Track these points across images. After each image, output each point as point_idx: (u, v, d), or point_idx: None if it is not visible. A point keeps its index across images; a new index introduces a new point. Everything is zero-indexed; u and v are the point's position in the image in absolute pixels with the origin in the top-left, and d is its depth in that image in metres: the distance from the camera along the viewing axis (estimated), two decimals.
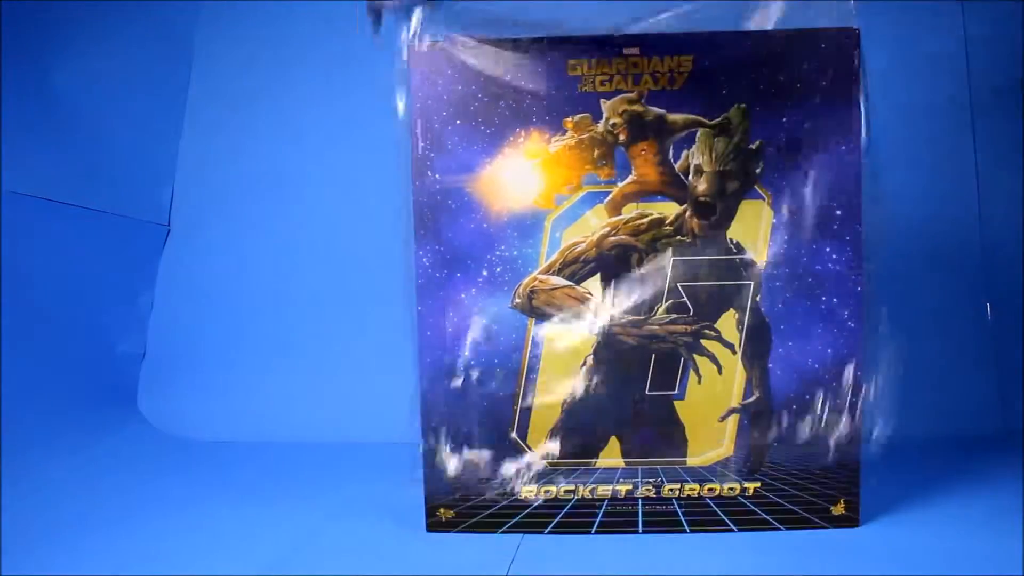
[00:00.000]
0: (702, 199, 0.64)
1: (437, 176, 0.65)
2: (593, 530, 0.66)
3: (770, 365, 0.65)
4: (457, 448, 0.67)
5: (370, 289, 1.07)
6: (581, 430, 0.66)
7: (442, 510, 0.67)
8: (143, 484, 0.83)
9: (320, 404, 1.07)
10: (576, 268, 0.65)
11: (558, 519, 0.66)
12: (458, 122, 0.65)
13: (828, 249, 0.64)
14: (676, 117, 0.64)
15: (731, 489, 0.66)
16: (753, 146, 0.64)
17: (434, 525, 0.67)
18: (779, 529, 0.65)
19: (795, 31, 0.63)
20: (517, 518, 0.67)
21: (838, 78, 0.63)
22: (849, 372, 0.65)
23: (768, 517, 0.65)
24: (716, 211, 0.64)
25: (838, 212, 0.64)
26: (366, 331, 1.08)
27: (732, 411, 0.66)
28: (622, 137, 0.64)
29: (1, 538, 0.66)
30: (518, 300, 0.65)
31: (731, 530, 0.65)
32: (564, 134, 0.65)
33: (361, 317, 1.09)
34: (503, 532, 0.66)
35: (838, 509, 0.65)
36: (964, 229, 1.09)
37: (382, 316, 1.05)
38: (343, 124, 1.12)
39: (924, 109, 1.10)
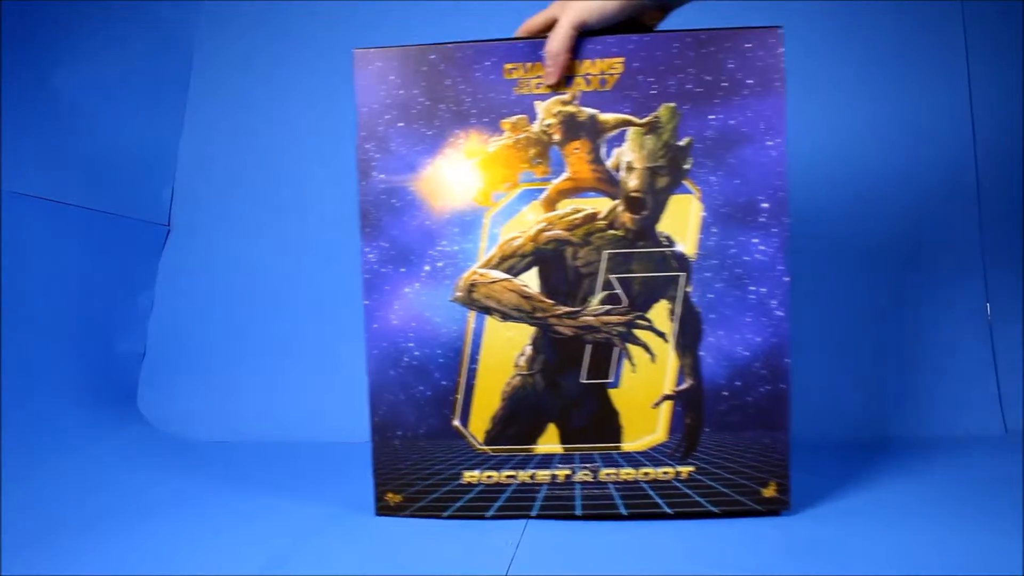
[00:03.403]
0: (633, 194, 0.67)
1: (382, 176, 0.68)
2: (533, 513, 0.69)
3: (701, 353, 0.67)
4: (403, 435, 0.70)
5: None
6: (520, 417, 0.69)
7: (390, 495, 0.70)
8: (143, 484, 0.83)
9: (321, 404, 1.10)
10: (514, 262, 0.68)
11: (499, 503, 0.69)
12: (401, 124, 0.68)
13: (756, 241, 0.67)
14: (608, 116, 0.67)
15: (665, 473, 0.68)
16: (682, 143, 0.67)
17: (382, 509, 0.70)
18: (713, 512, 0.67)
19: (721, 31, 0.66)
20: (461, 502, 0.69)
21: (764, 76, 0.66)
22: (778, 359, 0.67)
23: (702, 500, 0.68)
24: (647, 206, 0.67)
25: (765, 205, 0.66)
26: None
27: (665, 398, 0.68)
28: (556, 136, 0.67)
29: (1, 538, 0.66)
30: (459, 293, 0.68)
31: (666, 513, 0.68)
32: (501, 134, 0.68)
33: (361, 317, 1.11)
34: (447, 517, 0.69)
35: (769, 491, 0.68)
36: (965, 228, 1.10)
37: None
38: (343, 124, 1.15)
39: (926, 108, 1.12)
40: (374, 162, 0.68)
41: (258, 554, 0.62)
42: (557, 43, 0.65)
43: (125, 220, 1.14)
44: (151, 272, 1.18)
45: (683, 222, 0.67)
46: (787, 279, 0.67)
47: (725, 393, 0.68)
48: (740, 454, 0.68)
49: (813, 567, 0.58)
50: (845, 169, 1.11)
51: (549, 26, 0.67)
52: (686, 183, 0.67)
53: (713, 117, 0.66)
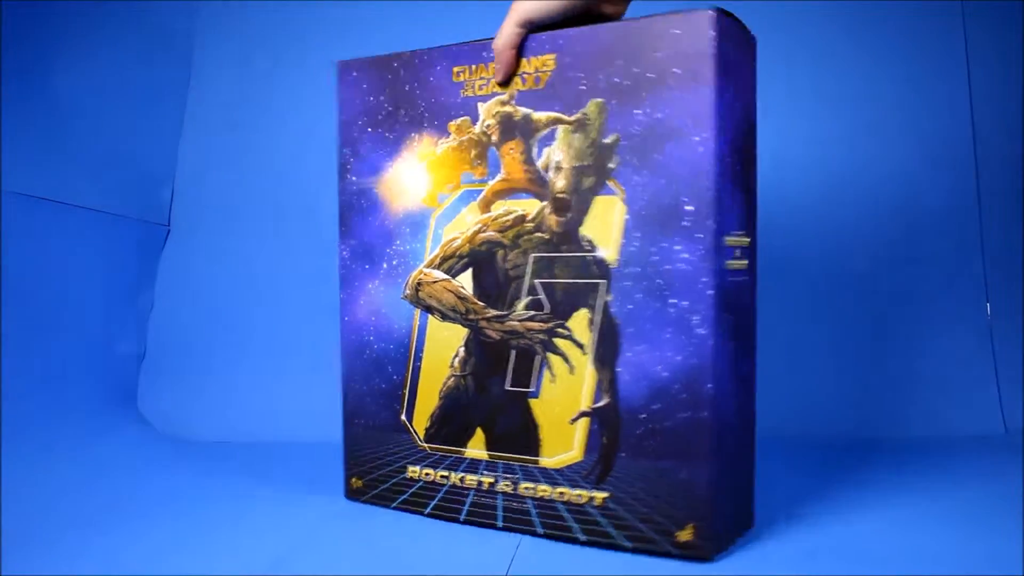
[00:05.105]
0: (559, 196, 0.64)
1: (354, 178, 0.73)
2: (461, 518, 0.68)
3: (619, 369, 0.62)
4: (366, 423, 0.74)
5: None
6: (453, 418, 0.69)
7: (354, 479, 0.74)
8: (142, 484, 0.82)
9: (321, 404, 1.04)
10: (452, 263, 0.69)
11: (434, 502, 0.70)
12: (370, 130, 0.72)
13: (678, 248, 0.59)
14: (540, 115, 0.65)
15: (580, 496, 0.63)
16: (608, 140, 0.62)
17: (349, 493, 0.75)
18: (625, 546, 0.61)
19: (651, 18, 0.60)
20: (405, 496, 0.71)
21: (692, 64, 0.59)
22: (699, 384, 0.59)
23: (614, 531, 0.62)
24: (572, 208, 0.63)
25: (689, 208, 0.59)
26: None
27: (583, 414, 0.63)
28: (494, 137, 0.67)
29: (1, 538, 0.65)
30: (408, 292, 0.71)
31: (578, 539, 0.63)
32: (448, 136, 0.69)
33: None
34: (393, 508, 0.72)
35: (685, 535, 0.59)
36: (965, 228, 1.10)
37: None
38: None
39: (926, 108, 1.11)
40: (349, 165, 0.73)
41: (258, 555, 0.62)
42: (501, 40, 0.65)
43: (125, 220, 1.13)
44: (151, 272, 1.17)
45: (607, 225, 0.62)
46: (711, 292, 0.58)
47: (643, 416, 0.61)
48: (656, 486, 0.60)
49: (815, 567, 0.57)
50: (845, 169, 1.11)
51: None
52: (610, 183, 0.62)
53: (639, 112, 0.60)
